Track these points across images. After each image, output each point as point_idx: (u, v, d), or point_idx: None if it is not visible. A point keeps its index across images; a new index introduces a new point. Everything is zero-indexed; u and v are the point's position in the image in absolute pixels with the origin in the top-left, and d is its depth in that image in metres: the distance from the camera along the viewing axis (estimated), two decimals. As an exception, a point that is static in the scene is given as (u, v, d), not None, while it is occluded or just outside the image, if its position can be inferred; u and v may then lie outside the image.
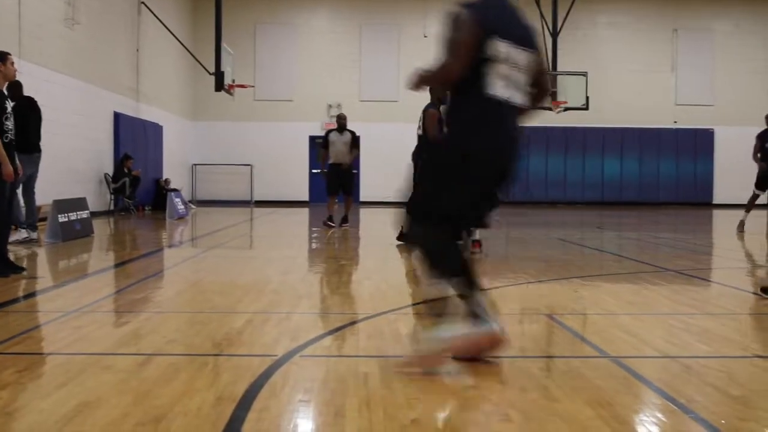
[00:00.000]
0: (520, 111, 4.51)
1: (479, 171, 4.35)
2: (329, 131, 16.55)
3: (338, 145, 16.33)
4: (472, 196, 4.44)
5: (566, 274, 8.86)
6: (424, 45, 30.72)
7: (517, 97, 4.45)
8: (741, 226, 16.11)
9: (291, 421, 3.44)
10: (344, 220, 16.48)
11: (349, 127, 16.62)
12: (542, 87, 4.66)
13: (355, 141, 16.52)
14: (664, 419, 3.53)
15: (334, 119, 17.26)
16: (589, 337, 5.29)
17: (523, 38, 4.46)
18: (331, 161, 16.40)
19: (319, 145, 16.81)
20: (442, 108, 11.78)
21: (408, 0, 31.65)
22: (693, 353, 4.83)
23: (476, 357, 4.42)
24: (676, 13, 32.70)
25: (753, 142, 16.37)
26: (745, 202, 16.55)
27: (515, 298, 7.32)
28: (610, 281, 8.41)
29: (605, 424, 3.37)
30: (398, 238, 11.92)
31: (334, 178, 16.41)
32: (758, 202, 16.31)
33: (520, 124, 4.54)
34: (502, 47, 4.32)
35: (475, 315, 4.36)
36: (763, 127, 16.13)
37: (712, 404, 3.72)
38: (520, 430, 3.32)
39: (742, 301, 7.20)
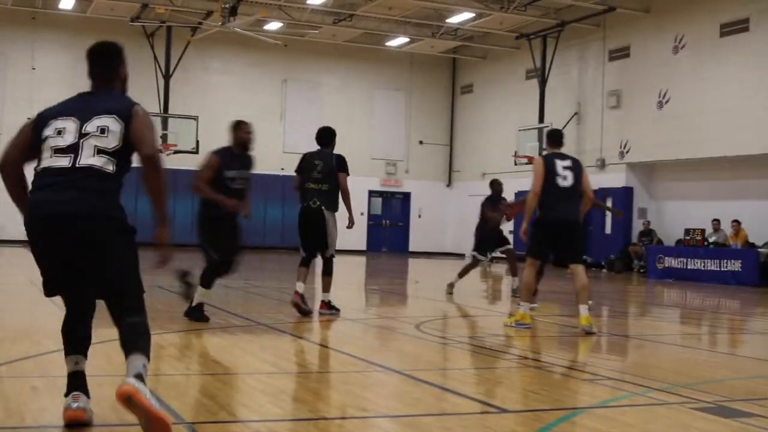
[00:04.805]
0: None
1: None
2: None
3: None
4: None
5: (157, 329, 8.84)
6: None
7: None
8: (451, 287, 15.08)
9: None
10: None
11: None
12: None
13: None
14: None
15: None
16: (169, 402, 5.34)
17: None
18: None
19: None
20: None
21: (15, 31, 30.49)
22: (264, 416, 5.10)
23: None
24: (287, 65, 34.12)
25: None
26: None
27: (99, 357, 7.24)
28: (201, 336, 8.55)
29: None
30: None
31: None
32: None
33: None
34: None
35: None
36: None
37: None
38: None
39: (319, 357, 7.68)
